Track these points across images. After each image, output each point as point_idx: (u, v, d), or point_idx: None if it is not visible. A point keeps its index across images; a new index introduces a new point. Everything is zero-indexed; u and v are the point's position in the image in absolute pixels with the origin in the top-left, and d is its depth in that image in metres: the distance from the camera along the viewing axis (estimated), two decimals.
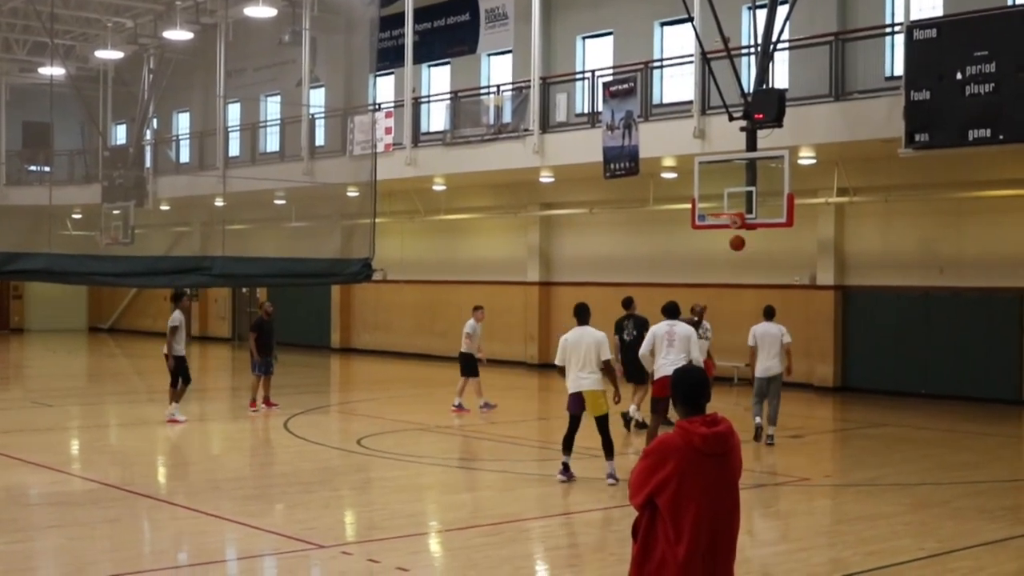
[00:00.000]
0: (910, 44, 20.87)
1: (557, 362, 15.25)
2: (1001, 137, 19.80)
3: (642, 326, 19.87)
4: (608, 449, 15.08)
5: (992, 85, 19.67)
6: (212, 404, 25.06)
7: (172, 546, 12.50)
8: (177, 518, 13.36)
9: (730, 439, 6.20)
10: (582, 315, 15.37)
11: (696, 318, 20.63)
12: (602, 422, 15.02)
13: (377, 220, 24.45)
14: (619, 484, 14.74)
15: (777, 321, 19.69)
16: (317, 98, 37.98)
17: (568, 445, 15.20)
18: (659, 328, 16.37)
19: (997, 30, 19.90)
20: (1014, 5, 22.64)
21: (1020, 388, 24.76)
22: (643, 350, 16.40)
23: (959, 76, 20.02)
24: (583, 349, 14.90)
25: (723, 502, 6.17)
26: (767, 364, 19.38)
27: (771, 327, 19.52)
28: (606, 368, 14.98)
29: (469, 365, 23.20)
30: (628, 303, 21.43)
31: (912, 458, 18.41)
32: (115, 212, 39.41)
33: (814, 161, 24.97)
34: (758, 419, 19.45)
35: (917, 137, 20.71)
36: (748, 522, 10.91)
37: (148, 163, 42.51)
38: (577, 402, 15.02)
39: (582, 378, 14.91)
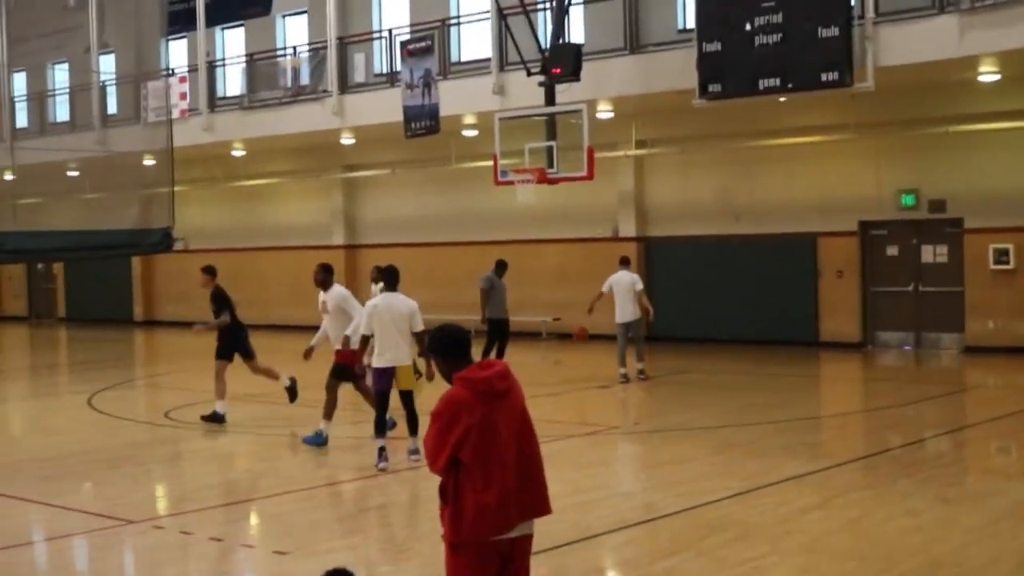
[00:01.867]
0: None
1: (364, 331, 13.81)
2: (789, 85, 20.45)
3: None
4: (414, 425, 13.77)
5: (780, 35, 20.28)
6: (10, 385, 24.27)
7: None
8: None
9: (508, 375, 6.29)
10: (391, 279, 14.05)
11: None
12: (409, 396, 13.85)
13: (176, 188, 23.96)
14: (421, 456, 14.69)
15: (619, 273, 20.86)
16: (107, 64, 36.83)
17: (382, 427, 13.95)
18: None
19: None
20: None
21: (816, 330, 25.63)
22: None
23: (748, 27, 20.57)
24: (397, 319, 13.71)
25: (522, 435, 6.27)
26: (623, 310, 20.57)
27: (624, 275, 20.79)
28: (418, 339, 13.68)
29: None
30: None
31: (716, 402, 18.93)
32: None
33: (612, 115, 25.28)
34: (622, 369, 20.56)
35: (710, 88, 21.21)
36: (560, 472, 11.03)
37: None
38: (387, 377, 13.75)
39: (397, 351, 13.70)
